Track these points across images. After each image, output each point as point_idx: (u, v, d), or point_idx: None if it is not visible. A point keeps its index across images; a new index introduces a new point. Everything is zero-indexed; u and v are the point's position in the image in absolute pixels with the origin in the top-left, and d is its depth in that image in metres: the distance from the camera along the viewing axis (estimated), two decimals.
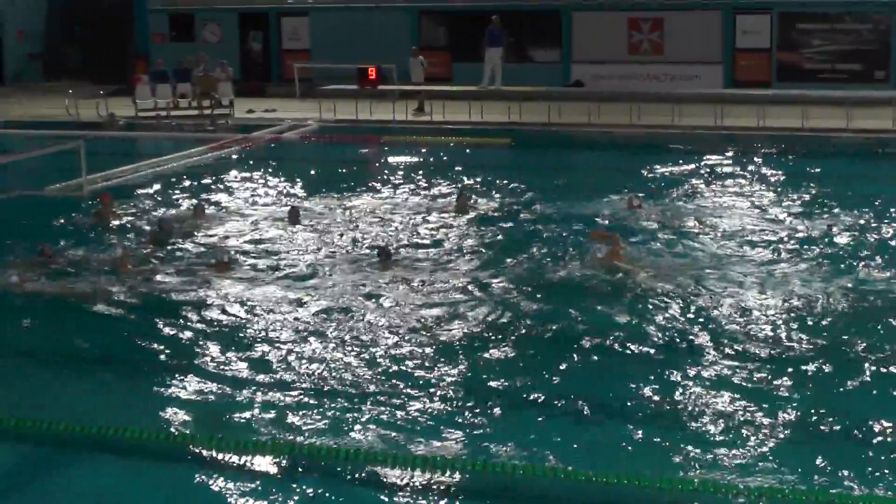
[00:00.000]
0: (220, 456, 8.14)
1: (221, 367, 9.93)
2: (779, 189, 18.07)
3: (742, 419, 8.67)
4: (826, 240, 14.35)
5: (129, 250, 13.53)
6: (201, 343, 10.57)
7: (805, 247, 14.00)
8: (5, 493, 7.83)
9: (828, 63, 30.04)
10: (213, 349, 10.36)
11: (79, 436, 8.43)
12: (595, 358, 10.16)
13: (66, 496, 7.78)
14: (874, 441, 8.29)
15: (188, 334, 10.81)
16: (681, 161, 21.07)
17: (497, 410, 9.00)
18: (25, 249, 13.62)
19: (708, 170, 20.13)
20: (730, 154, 21.75)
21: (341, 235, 14.78)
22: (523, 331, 10.89)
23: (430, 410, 8.94)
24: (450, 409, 9.01)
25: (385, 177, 19.57)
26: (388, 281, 12.45)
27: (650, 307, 11.39)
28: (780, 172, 19.73)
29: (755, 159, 21.15)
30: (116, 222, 15.77)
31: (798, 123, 24.41)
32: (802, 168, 20.29)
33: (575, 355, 10.14)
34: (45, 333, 11.25)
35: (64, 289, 12.34)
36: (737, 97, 27.42)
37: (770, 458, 8.01)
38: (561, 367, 9.85)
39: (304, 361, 10.00)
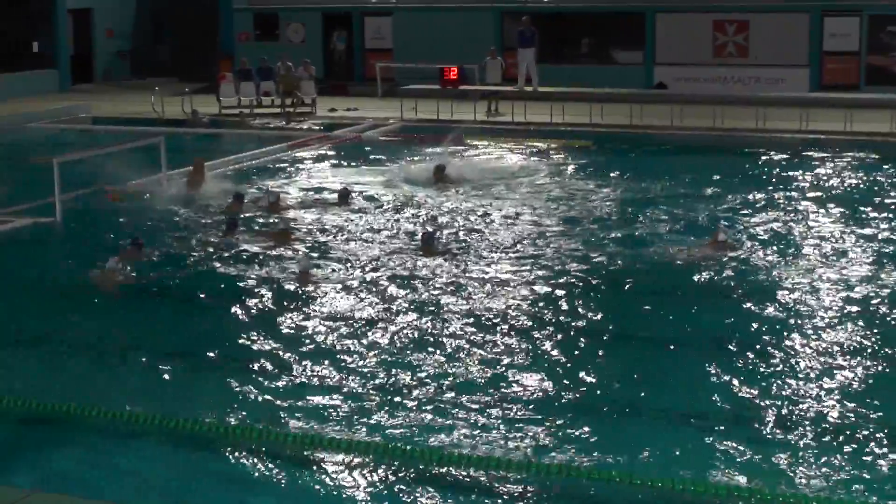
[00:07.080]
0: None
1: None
2: (863, 194, 17.75)
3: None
4: None
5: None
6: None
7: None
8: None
9: None
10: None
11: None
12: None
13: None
14: None
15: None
16: (761, 165, 20.79)
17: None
18: (113, 242, 13.96)
19: (790, 174, 19.82)
20: (814, 158, 21.38)
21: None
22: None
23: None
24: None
25: (454, 175, 19.57)
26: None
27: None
28: (866, 177, 19.37)
29: (839, 164, 20.80)
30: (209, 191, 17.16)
31: (886, 128, 23.86)
32: (890, 173, 19.90)
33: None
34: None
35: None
36: (824, 101, 26.85)
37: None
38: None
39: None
